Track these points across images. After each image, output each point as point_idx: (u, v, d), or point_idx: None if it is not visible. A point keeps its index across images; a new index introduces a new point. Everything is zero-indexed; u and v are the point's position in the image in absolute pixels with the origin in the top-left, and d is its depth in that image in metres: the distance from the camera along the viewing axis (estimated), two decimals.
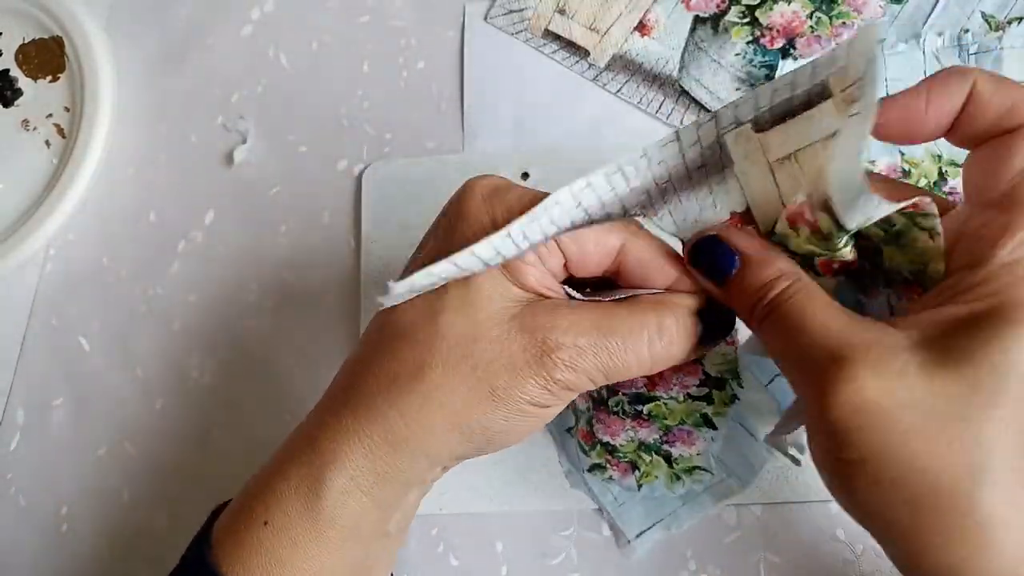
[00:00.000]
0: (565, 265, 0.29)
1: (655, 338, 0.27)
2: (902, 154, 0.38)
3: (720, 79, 0.44)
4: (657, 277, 0.28)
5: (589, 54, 0.47)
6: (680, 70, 0.45)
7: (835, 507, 0.37)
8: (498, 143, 0.47)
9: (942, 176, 0.38)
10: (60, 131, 0.53)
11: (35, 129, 0.54)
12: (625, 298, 0.28)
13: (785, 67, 0.43)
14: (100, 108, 0.51)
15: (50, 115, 0.54)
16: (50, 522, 0.45)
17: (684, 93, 0.45)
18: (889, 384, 0.22)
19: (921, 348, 0.22)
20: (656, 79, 0.46)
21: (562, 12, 0.48)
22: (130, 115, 0.53)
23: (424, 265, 0.25)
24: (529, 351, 0.27)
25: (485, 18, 0.49)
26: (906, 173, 0.37)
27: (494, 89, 0.48)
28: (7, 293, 0.50)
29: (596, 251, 0.28)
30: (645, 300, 0.28)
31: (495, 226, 0.27)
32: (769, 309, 0.25)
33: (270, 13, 0.54)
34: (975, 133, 0.25)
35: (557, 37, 0.48)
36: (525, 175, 0.45)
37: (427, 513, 0.40)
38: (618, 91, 0.46)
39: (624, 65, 0.46)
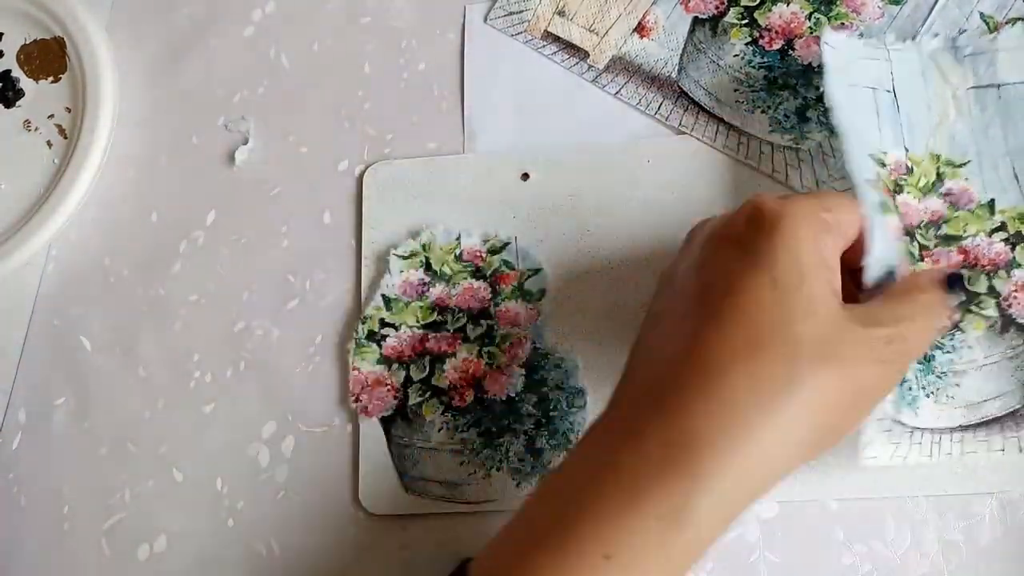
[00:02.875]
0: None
1: (935, 310, 0.31)
2: (907, 150, 0.38)
3: (719, 80, 0.44)
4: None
5: (588, 55, 0.47)
6: (679, 71, 0.45)
7: (835, 506, 0.37)
8: (499, 144, 0.47)
9: (939, 177, 0.38)
10: (62, 131, 0.54)
11: (37, 129, 0.54)
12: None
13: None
14: (102, 108, 0.51)
15: (52, 115, 0.54)
16: (51, 522, 0.45)
17: (683, 94, 0.45)
18: None
19: None
20: (655, 80, 0.46)
21: (561, 14, 0.48)
22: (131, 115, 0.53)
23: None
24: (875, 343, 0.29)
25: (485, 20, 0.49)
26: (910, 171, 0.38)
27: (494, 90, 0.48)
28: (9, 293, 0.51)
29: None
30: (907, 288, 0.32)
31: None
32: None
33: (271, 14, 0.54)
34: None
35: (557, 39, 0.48)
36: (525, 176, 0.45)
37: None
38: (617, 92, 0.46)
39: (623, 66, 0.46)
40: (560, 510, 0.27)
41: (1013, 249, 0.37)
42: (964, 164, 0.38)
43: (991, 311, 0.36)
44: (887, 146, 0.38)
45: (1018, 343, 0.36)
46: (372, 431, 0.42)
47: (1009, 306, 0.36)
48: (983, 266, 0.36)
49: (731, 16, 0.45)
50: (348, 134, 0.49)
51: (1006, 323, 0.36)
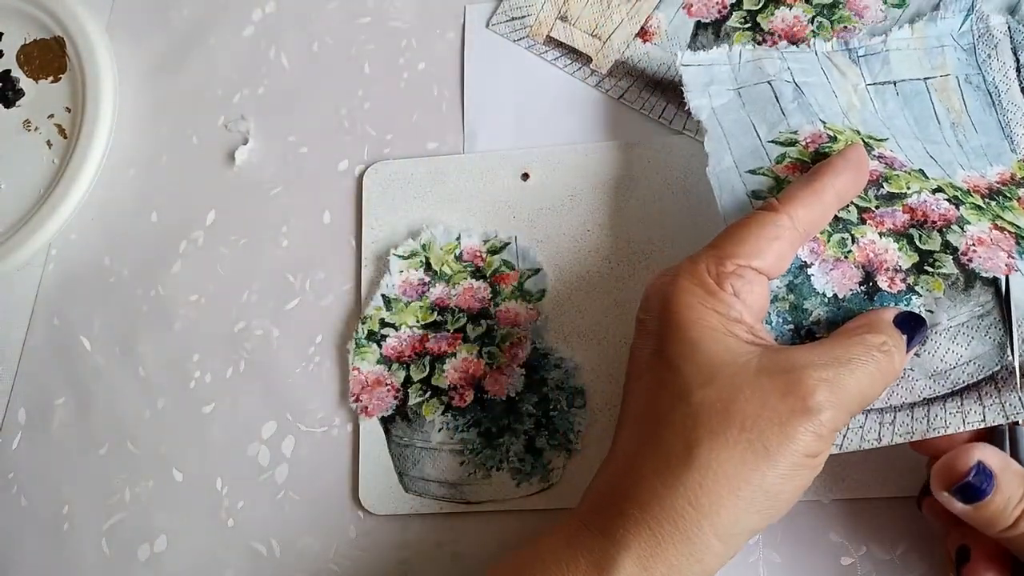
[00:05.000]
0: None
1: (881, 356, 0.29)
2: (823, 123, 0.37)
3: None
4: (863, 166, 0.34)
5: (591, 60, 0.47)
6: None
7: (835, 507, 0.37)
8: (499, 144, 0.47)
9: (867, 144, 0.37)
10: (61, 131, 0.54)
11: (36, 129, 0.54)
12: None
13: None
14: (101, 108, 0.51)
15: (51, 115, 0.54)
16: (51, 522, 0.45)
17: None
18: None
19: None
20: (658, 84, 0.46)
21: (564, 19, 0.48)
22: (131, 115, 0.53)
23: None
24: (790, 398, 0.27)
25: (487, 25, 0.49)
26: (833, 139, 0.37)
27: (495, 92, 0.48)
28: (9, 293, 0.51)
29: (780, 245, 0.31)
30: (850, 328, 0.31)
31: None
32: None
33: (271, 14, 0.54)
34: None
35: (559, 44, 0.48)
36: (525, 175, 0.45)
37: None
38: (620, 97, 0.46)
39: (626, 71, 0.46)
40: (513, 563, 0.30)
41: (958, 208, 0.34)
42: (884, 140, 0.38)
43: (949, 268, 0.32)
44: (797, 125, 0.37)
45: (987, 299, 0.32)
46: (372, 431, 0.42)
47: (969, 260, 0.33)
48: (933, 223, 0.34)
49: (734, 20, 0.45)
50: (348, 134, 0.49)
51: (969, 278, 0.32)
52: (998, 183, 0.37)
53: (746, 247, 0.31)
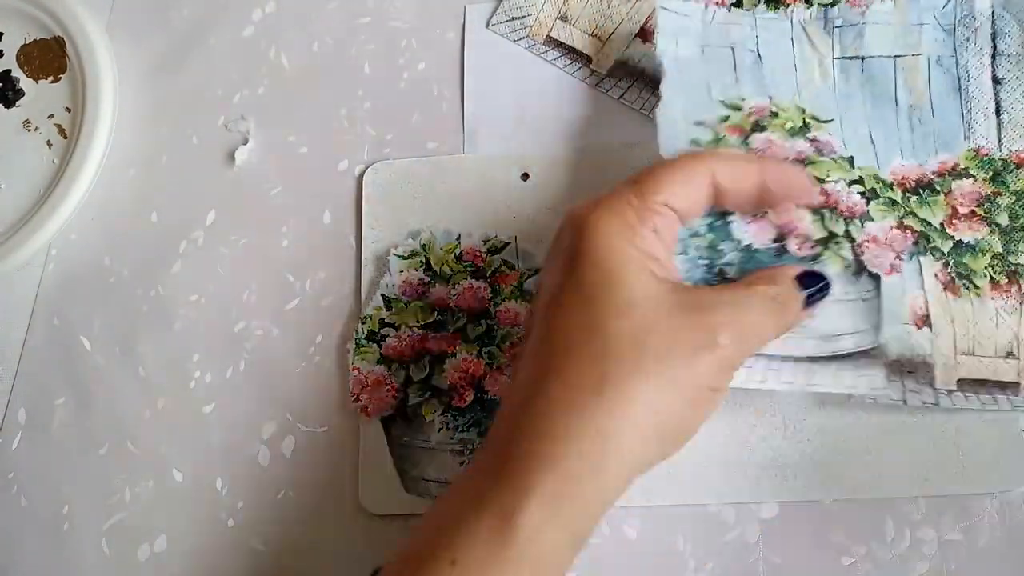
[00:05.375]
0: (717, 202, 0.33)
1: (776, 306, 0.31)
2: (770, 98, 0.40)
3: None
4: (803, 192, 0.35)
5: (591, 60, 0.47)
6: None
7: (835, 507, 0.37)
8: (499, 144, 0.47)
9: (805, 125, 0.40)
10: (61, 131, 0.54)
11: (36, 129, 0.54)
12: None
13: None
14: (101, 108, 0.51)
15: (51, 115, 0.54)
16: (51, 522, 0.45)
17: None
18: None
19: None
20: (658, 85, 0.46)
21: (564, 19, 0.48)
22: (131, 115, 0.53)
23: None
24: (699, 333, 0.28)
25: (487, 25, 0.49)
26: (775, 115, 0.39)
27: (495, 92, 0.48)
28: (9, 293, 0.51)
29: (697, 192, 0.32)
30: (756, 276, 0.33)
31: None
32: None
33: (271, 14, 0.54)
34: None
35: (559, 44, 0.48)
36: (525, 175, 0.45)
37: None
38: (620, 97, 0.46)
39: (626, 71, 0.46)
40: (425, 521, 0.30)
41: (868, 203, 0.38)
42: (828, 121, 0.40)
43: (847, 253, 0.36)
44: (747, 94, 0.40)
45: (870, 289, 0.36)
46: (372, 431, 0.42)
47: (862, 253, 0.36)
48: (841, 211, 0.37)
49: None
50: (348, 134, 0.49)
51: (859, 268, 0.36)
52: (934, 173, 0.39)
53: (671, 188, 0.31)
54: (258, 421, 0.44)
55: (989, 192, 0.38)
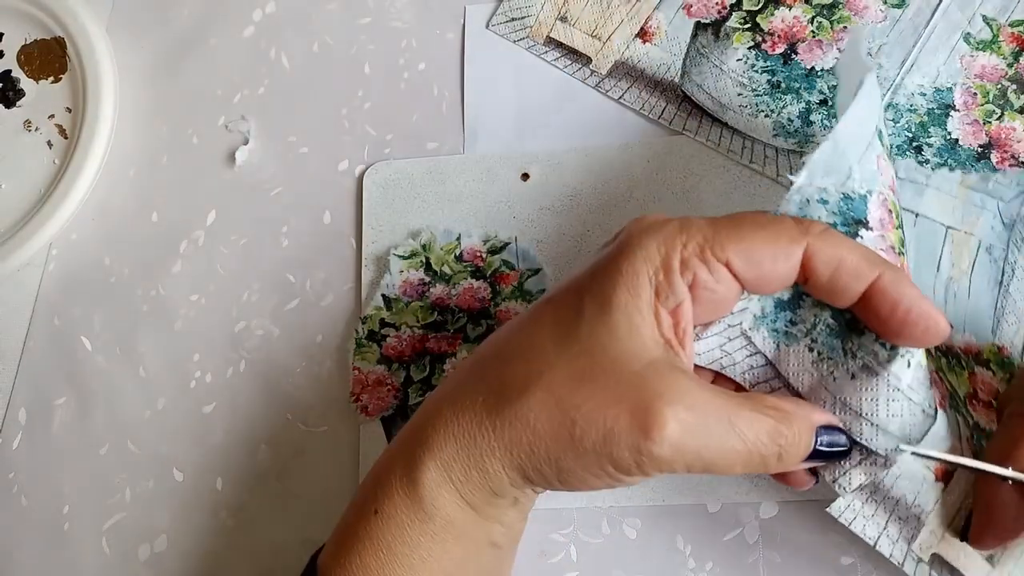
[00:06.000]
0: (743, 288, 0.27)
1: (767, 443, 0.26)
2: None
3: (722, 84, 0.44)
4: (854, 282, 0.27)
5: (591, 61, 0.47)
6: (682, 76, 0.45)
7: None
8: (499, 144, 0.47)
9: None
10: (62, 131, 0.54)
11: (37, 130, 0.54)
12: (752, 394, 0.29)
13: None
14: (102, 109, 0.51)
15: (52, 116, 0.54)
16: (51, 522, 0.45)
17: (686, 99, 0.45)
18: None
19: None
20: (658, 85, 0.46)
21: (564, 20, 0.48)
22: (132, 115, 0.53)
23: None
24: (639, 414, 0.25)
25: (487, 26, 0.49)
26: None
27: (495, 92, 0.48)
28: (9, 293, 0.51)
29: (776, 266, 0.27)
30: (771, 400, 0.27)
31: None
32: None
33: (271, 14, 0.54)
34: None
35: (559, 44, 0.48)
36: (525, 175, 0.45)
37: None
38: (620, 97, 0.46)
39: (626, 72, 0.46)
40: (367, 477, 0.32)
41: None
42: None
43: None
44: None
45: (930, 408, 0.30)
46: (372, 431, 0.42)
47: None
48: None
49: (733, 21, 0.45)
50: (348, 134, 0.50)
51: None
52: (960, 348, 0.37)
53: (744, 244, 0.26)
54: (258, 421, 0.45)
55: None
